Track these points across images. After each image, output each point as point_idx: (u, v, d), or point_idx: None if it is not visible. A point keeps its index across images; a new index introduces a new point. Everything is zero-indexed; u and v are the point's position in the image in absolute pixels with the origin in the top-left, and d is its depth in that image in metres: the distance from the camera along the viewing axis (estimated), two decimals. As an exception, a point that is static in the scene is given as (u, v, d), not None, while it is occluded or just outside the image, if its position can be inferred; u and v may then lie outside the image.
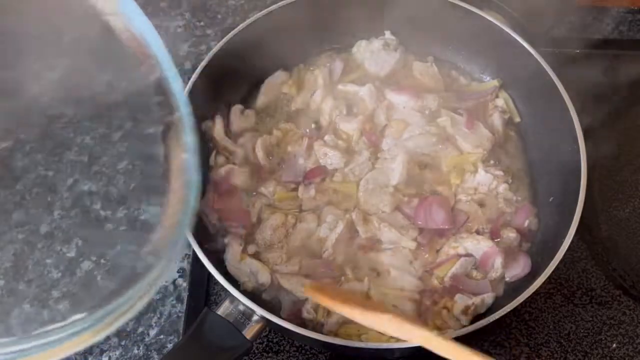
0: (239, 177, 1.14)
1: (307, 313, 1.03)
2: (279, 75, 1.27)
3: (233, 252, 1.06)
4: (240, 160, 1.16)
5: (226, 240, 1.08)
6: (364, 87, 1.21)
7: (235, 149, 1.16)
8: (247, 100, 1.26)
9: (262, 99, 1.25)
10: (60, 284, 1.12)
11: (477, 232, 1.09)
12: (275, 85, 1.27)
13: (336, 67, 1.26)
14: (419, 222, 1.08)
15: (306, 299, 1.04)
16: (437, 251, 1.08)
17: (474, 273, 1.06)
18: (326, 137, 1.17)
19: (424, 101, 1.20)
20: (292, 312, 1.04)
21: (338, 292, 1.00)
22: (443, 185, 1.14)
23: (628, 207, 1.25)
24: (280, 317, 0.93)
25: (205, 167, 1.16)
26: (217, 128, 1.18)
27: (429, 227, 1.08)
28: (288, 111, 1.25)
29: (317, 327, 1.03)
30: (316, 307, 1.03)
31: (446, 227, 1.07)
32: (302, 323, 1.03)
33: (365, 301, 1.01)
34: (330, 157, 1.14)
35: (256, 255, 1.08)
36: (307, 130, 1.20)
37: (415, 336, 0.81)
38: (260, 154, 1.16)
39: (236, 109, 1.22)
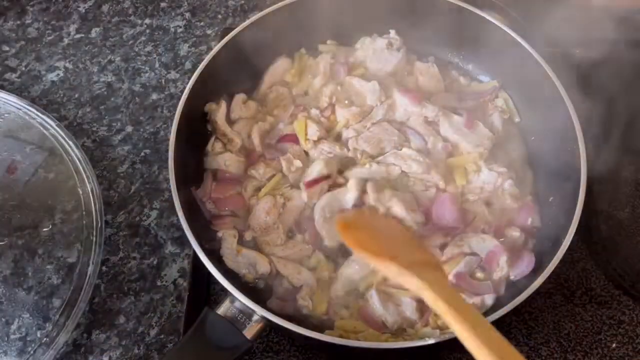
0: (235, 165, 1.16)
1: (302, 300, 1.04)
2: (281, 64, 1.28)
3: (229, 246, 1.08)
4: (237, 148, 1.18)
5: (220, 234, 1.09)
6: (369, 83, 1.22)
7: (234, 137, 1.18)
8: (251, 92, 1.27)
9: (264, 88, 1.27)
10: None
11: (482, 231, 1.10)
12: (277, 74, 1.28)
13: (340, 71, 1.26)
14: (432, 218, 1.10)
15: (301, 286, 1.05)
16: (443, 248, 1.08)
17: (478, 273, 1.06)
18: (312, 111, 1.21)
19: (424, 109, 1.20)
20: (283, 298, 1.05)
21: (366, 234, 0.99)
22: (449, 185, 1.14)
23: (628, 207, 1.25)
24: (276, 314, 0.93)
25: (203, 153, 1.19)
26: (220, 112, 1.20)
27: (440, 224, 1.09)
28: (287, 97, 1.26)
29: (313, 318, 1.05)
30: (311, 294, 1.05)
31: (457, 226, 1.08)
32: (293, 311, 1.05)
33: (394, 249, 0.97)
34: (308, 128, 1.17)
35: (254, 240, 1.11)
36: (296, 99, 1.24)
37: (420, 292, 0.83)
38: (256, 140, 1.18)
39: (238, 97, 1.23)
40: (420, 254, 0.97)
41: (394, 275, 0.88)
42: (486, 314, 0.99)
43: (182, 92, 1.19)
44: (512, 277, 1.06)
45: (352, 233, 0.97)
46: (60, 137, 1.26)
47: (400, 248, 0.97)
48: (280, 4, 1.20)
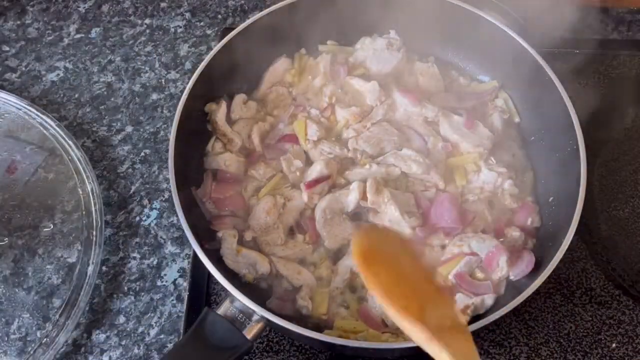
0: (235, 165, 1.16)
1: (301, 300, 1.04)
2: (281, 64, 1.28)
3: (229, 246, 1.08)
4: (237, 148, 1.18)
5: (220, 235, 1.09)
6: (369, 83, 1.22)
7: (233, 137, 1.18)
8: (251, 92, 1.27)
9: (264, 88, 1.27)
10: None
11: (482, 231, 1.10)
12: (277, 74, 1.28)
13: (340, 71, 1.26)
14: (432, 218, 1.10)
15: (301, 286, 1.06)
16: (443, 248, 1.09)
17: (477, 273, 1.06)
18: (312, 111, 1.21)
19: (424, 109, 1.20)
20: (283, 298, 1.06)
21: (388, 270, 0.82)
22: (449, 185, 1.14)
23: (628, 207, 1.25)
24: (276, 314, 0.93)
25: (203, 153, 1.19)
26: (220, 112, 1.20)
27: (440, 225, 1.09)
28: (287, 98, 1.26)
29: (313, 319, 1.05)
30: (311, 294, 1.05)
31: (456, 226, 1.08)
32: (292, 311, 1.05)
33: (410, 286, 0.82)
34: (308, 128, 1.17)
35: (254, 240, 1.11)
36: (296, 99, 1.24)
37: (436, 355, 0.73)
38: (256, 140, 1.19)
39: (238, 97, 1.23)
40: (442, 299, 0.82)
41: (420, 340, 0.74)
42: (486, 314, 1.00)
43: (182, 92, 1.19)
44: (512, 277, 1.06)
45: (372, 268, 0.81)
46: (60, 137, 1.26)
47: (423, 290, 0.82)
48: (280, 4, 1.20)
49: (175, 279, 1.19)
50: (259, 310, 0.92)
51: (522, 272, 1.05)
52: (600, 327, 1.14)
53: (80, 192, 1.22)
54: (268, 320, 0.93)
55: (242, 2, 1.57)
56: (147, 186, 1.29)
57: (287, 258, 1.09)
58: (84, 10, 1.55)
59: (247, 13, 1.55)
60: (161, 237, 1.24)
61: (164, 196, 1.28)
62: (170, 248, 1.23)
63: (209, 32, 1.52)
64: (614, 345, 1.12)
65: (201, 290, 1.16)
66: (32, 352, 1.09)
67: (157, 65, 1.46)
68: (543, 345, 1.12)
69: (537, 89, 1.17)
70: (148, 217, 1.26)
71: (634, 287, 1.17)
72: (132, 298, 1.17)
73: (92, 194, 1.22)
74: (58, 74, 1.44)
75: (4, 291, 1.16)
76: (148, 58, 1.47)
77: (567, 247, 0.97)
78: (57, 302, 1.15)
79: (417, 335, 0.75)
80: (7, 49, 1.48)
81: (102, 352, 1.12)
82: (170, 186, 1.02)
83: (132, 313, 1.16)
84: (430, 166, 1.13)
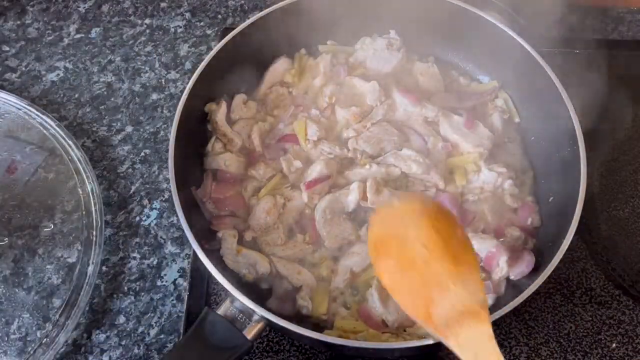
0: (235, 165, 1.16)
1: (301, 300, 1.05)
2: (281, 64, 1.28)
3: (229, 246, 1.08)
4: (237, 148, 1.18)
5: (220, 235, 1.09)
6: (369, 83, 1.22)
7: (234, 137, 1.18)
8: (251, 92, 1.27)
9: (264, 88, 1.27)
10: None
11: (482, 231, 1.10)
12: (277, 74, 1.28)
13: (340, 71, 1.26)
14: None
15: (301, 286, 1.06)
16: None
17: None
18: (312, 111, 1.21)
19: (424, 109, 1.20)
20: (283, 298, 1.06)
21: (400, 261, 0.84)
22: (449, 185, 1.14)
23: (628, 207, 1.25)
24: (276, 314, 0.93)
25: (203, 153, 1.19)
26: (221, 112, 1.20)
27: None
28: (287, 98, 1.26)
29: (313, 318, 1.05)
30: (311, 294, 1.06)
31: None
32: (292, 311, 1.05)
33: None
34: (308, 128, 1.17)
35: (254, 240, 1.11)
36: (296, 99, 1.24)
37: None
38: (256, 140, 1.19)
39: (239, 98, 1.23)
40: (461, 285, 0.80)
41: (429, 331, 0.79)
42: (486, 314, 1.00)
43: (182, 92, 1.20)
44: (512, 277, 1.06)
45: (382, 262, 0.85)
46: (60, 137, 1.26)
47: (436, 273, 0.81)
48: (280, 4, 1.20)
49: (175, 279, 1.19)
50: (259, 310, 0.92)
51: (522, 272, 1.05)
52: (600, 327, 1.14)
53: (80, 192, 1.22)
54: (268, 320, 0.93)
55: (242, 2, 1.57)
56: (147, 186, 1.30)
57: (287, 258, 1.09)
58: (84, 10, 1.55)
59: (247, 13, 1.55)
60: (161, 237, 1.24)
61: (164, 196, 1.28)
62: (170, 248, 1.23)
63: (209, 32, 1.52)
64: (614, 345, 1.12)
65: (201, 290, 1.16)
66: (32, 352, 1.09)
67: (157, 65, 1.46)
68: (543, 345, 1.12)
69: (537, 89, 1.16)
70: (148, 217, 1.26)
71: (634, 287, 1.17)
72: (132, 298, 1.17)
73: (92, 194, 1.22)
74: (58, 74, 1.44)
75: (4, 291, 1.16)
76: (148, 58, 1.47)
77: (567, 247, 0.97)
78: (57, 302, 1.15)
79: (423, 326, 0.81)
80: (7, 49, 1.48)
81: (102, 352, 1.12)
82: (170, 186, 1.02)
83: (132, 313, 1.16)
84: (430, 166, 1.13)
